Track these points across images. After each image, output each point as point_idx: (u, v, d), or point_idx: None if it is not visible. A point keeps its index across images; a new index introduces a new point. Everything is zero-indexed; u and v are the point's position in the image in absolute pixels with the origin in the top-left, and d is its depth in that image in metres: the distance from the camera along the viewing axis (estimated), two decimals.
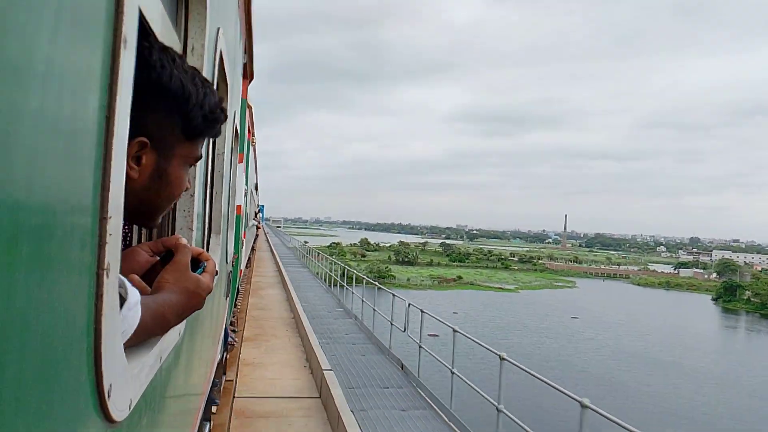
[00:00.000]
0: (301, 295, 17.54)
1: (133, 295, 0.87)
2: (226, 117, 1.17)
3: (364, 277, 17.51)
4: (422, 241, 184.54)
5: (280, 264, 27.37)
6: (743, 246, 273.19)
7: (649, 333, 59.59)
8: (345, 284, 18.87)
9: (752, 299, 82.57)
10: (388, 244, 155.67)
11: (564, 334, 55.83)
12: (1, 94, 0.41)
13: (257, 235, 46.09)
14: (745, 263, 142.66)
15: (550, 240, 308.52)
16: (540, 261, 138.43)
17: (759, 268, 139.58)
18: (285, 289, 19.29)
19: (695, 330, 65.81)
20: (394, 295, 13.21)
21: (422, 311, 10.82)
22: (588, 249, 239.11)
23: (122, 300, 0.85)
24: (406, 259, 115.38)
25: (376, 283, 16.16)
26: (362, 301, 15.75)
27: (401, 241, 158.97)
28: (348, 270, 19.68)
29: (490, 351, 8.05)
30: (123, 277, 0.85)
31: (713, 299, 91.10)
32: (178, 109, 1.03)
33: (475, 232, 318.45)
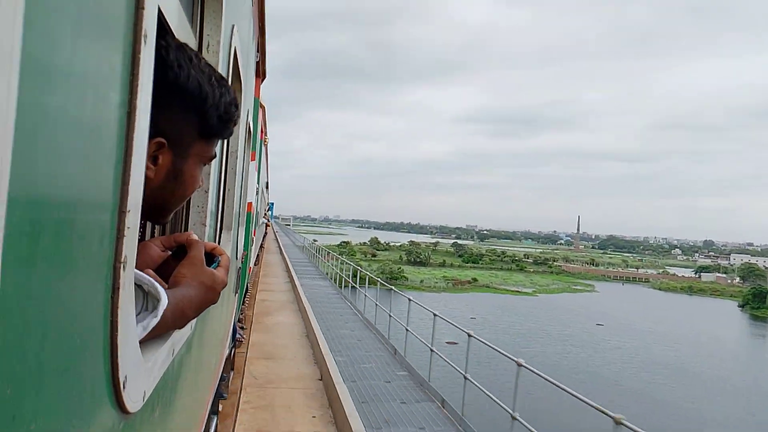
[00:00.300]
0: (329, 329, 12.59)
1: (165, 297, 0.89)
2: (239, 116, 1.15)
3: (400, 291, 14.21)
4: (433, 241, 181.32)
5: (293, 272, 22.68)
6: (759, 249, 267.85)
7: (679, 342, 56.15)
8: (361, 289, 16.76)
9: None
10: (399, 244, 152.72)
11: (590, 342, 52.53)
12: (27, 90, 0.42)
13: (266, 233, 43.67)
14: (765, 267, 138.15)
15: (562, 241, 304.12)
16: (555, 263, 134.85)
17: None
18: (302, 314, 14.64)
19: (727, 339, 62.23)
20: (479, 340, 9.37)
21: (522, 365, 7.11)
22: (602, 251, 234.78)
23: (147, 296, 0.88)
24: (418, 260, 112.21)
25: (419, 303, 12.46)
26: (409, 333, 12.30)
27: (412, 241, 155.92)
28: (377, 278, 17.37)
29: (604, 413, 5.17)
30: (151, 279, 0.88)
31: (740, 305, 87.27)
32: (194, 109, 1.03)
33: (485, 232, 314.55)
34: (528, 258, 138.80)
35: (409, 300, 12.40)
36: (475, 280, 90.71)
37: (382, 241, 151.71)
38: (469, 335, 9.13)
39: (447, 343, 41.85)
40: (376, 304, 14.50)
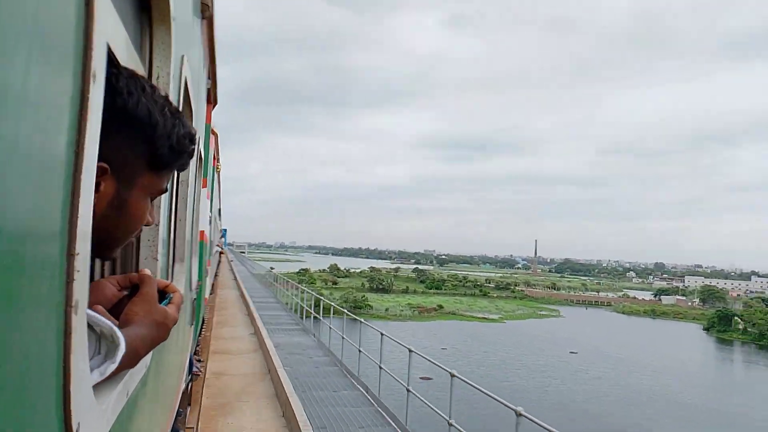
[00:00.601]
0: None
1: (124, 343, 0.87)
2: (194, 149, 1.11)
3: (398, 341, 11.01)
4: (394, 266, 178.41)
5: (259, 322, 16.68)
6: (708, 271, 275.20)
7: (658, 369, 54.37)
8: (337, 330, 12.98)
9: (749, 329, 78.46)
10: (359, 270, 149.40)
11: (567, 373, 50.06)
12: None
13: (220, 261, 40.39)
14: (720, 289, 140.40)
15: (519, 265, 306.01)
16: (517, 288, 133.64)
17: (734, 295, 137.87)
18: (283, 407, 9.09)
19: (703, 364, 61.05)
20: None
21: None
22: (559, 274, 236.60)
23: (100, 339, 0.85)
24: (381, 286, 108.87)
25: (436, 363, 9.35)
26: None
27: (372, 267, 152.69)
28: (342, 308, 14.18)
29: None
30: (111, 324, 0.86)
31: (705, 329, 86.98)
32: (143, 138, 0.98)
33: (444, 257, 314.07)
34: (490, 283, 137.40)
35: (410, 351, 9.68)
36: (440, 307, 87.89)
37: (342, 268, 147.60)
38: (518, 413, 6.19)
39: (421, 378, 38.77)
40: (358, 350, 11.33)
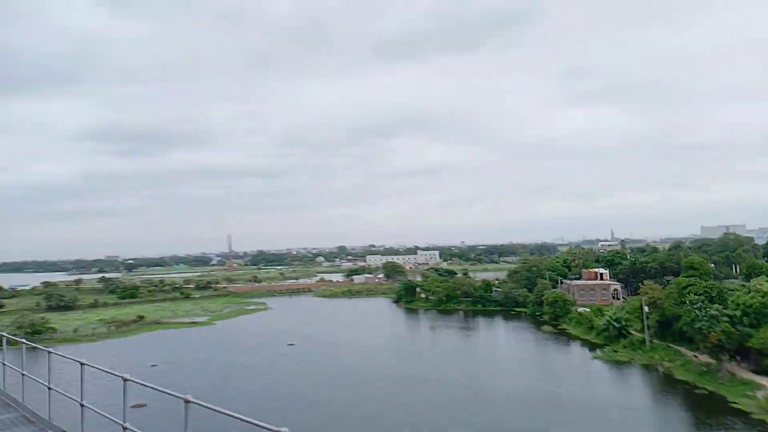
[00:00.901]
0: None
1: None
2: None
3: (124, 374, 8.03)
4: (73, 278, 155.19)
5: None
6: (381, 249, 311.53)
7: (368, 347, 58.18)
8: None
9: (429, 298, 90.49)
10: (29, 287, 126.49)
11: (294, 367, 50.00)
12: None
13: None
14: (398, 264, 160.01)
15: (215, 262, 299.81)
16: (219, 285, 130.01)
17: (408, 267, 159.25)
18: None
19: (404, 336, 67.64)
20: None
21: None
22: (255, 267, 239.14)
23: None
24: (62, 303, 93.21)
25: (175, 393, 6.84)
26: None
27: (46, 282, 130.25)
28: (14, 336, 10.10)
29: None
30: None
31: (395, 301, 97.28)
32: None
33: (131, 261, 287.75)
34: (190, 284, 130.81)
35: (186, 402, 7.04)
36: (141, 317, 79.38)
37: (6, 287, 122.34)
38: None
39: (133, 407, 33.86)
40: (80, 404, 8.05)
